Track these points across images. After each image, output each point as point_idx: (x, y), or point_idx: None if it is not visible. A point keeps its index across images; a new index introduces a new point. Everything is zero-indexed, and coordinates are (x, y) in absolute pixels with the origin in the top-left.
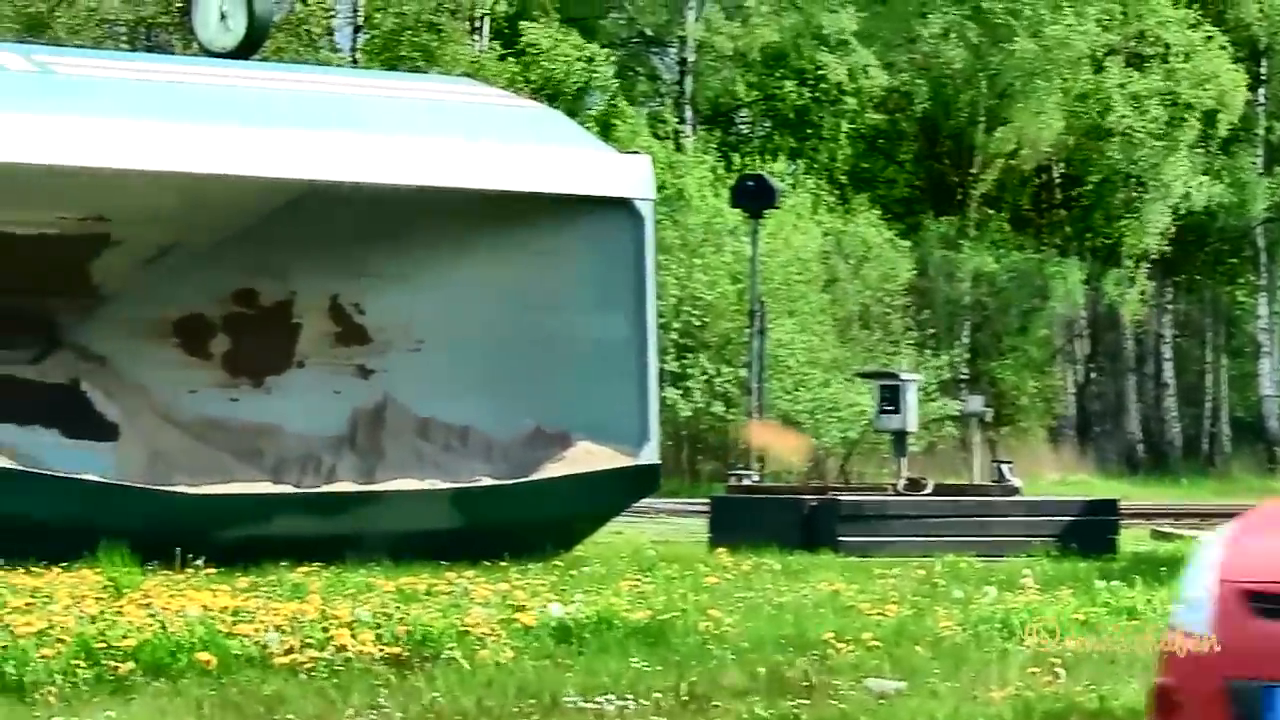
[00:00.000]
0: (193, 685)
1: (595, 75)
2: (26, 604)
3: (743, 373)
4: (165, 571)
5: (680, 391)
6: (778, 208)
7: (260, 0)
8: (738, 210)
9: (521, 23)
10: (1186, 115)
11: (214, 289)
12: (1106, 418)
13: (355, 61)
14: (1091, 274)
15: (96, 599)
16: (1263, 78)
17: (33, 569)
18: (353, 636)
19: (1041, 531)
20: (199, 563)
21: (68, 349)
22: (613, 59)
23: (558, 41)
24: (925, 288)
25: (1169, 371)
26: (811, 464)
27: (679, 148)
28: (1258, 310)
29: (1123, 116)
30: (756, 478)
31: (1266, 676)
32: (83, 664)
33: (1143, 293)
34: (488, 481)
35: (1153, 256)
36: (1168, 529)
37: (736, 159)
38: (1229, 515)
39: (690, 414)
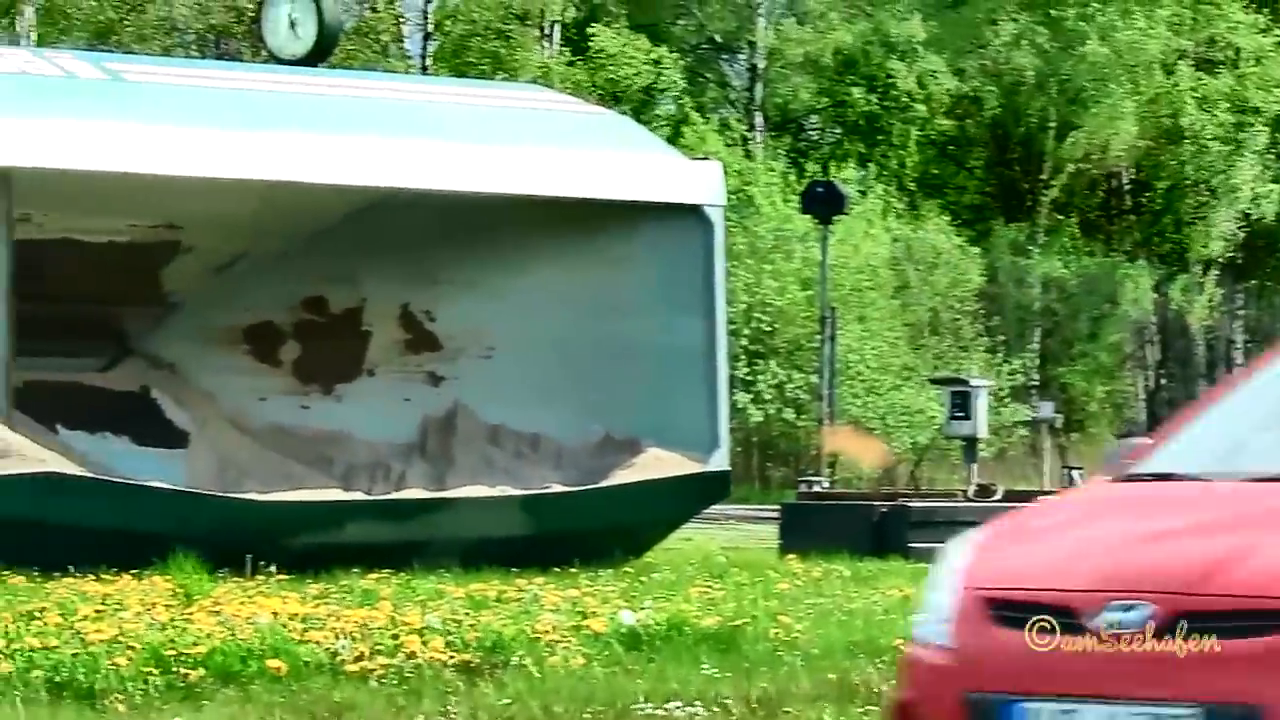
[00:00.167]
0: (263, 692)
1: (663, 77)
2: (97, 611)
3: (813, 379)
4: (235, 579)
5: (750, 397)
6: (847, 214)
7: (330, 7)
8: (807, 216)
9: (590, 27)
10: (1254, 120)
11: (284, 296)
12: None
13: (425, 68)
14: (1160, 280)
15: (167, 606)
16: None
17: (103, 576)
18: (423, 643)
19: None
20: (270, 570)
21: (138, 356)
22: (681, 65)
23: (626, 45)
24: (995, 294)
25: None
26: (882, 471)
27: (748, 154)
28: None
29: (1194, 120)
30: (827, 484)
31: (1006, 690)
32: (153, 671)
33: (1210, 299)
34: (558, 488)
35: (1221, 262)
36: None
37: (806, 165)
38: None
39: (760, 420)
